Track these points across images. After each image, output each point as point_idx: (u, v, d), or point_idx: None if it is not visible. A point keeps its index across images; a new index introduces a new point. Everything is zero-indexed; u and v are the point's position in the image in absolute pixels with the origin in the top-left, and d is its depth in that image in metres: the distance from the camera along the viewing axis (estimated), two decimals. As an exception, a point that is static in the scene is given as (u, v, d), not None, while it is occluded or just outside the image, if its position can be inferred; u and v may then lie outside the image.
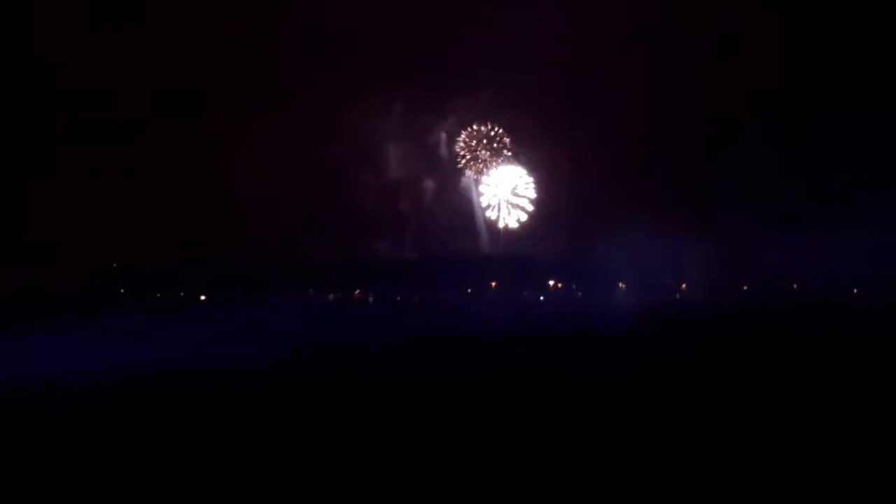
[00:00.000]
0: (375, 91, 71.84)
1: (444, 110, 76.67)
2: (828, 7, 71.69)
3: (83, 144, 72.18)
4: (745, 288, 78.11)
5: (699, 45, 73.10)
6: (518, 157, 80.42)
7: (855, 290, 75.65)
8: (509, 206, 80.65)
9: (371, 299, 77.98)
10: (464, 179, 77.66)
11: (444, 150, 77.92)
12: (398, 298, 76.33)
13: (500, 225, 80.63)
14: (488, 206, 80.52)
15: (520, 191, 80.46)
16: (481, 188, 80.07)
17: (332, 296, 78.32)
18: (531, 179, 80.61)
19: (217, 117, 71.53)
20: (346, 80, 72.61)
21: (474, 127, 79.98)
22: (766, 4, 74.47)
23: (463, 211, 78.42)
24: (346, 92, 72.49)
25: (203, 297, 77.20)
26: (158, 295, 78.11)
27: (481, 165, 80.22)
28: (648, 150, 76.59)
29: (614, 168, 76.01)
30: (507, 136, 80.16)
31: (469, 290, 77.40)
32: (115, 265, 78.77)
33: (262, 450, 21.22)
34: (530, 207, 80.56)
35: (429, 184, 76.84)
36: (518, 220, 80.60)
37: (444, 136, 77.37)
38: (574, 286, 78.28)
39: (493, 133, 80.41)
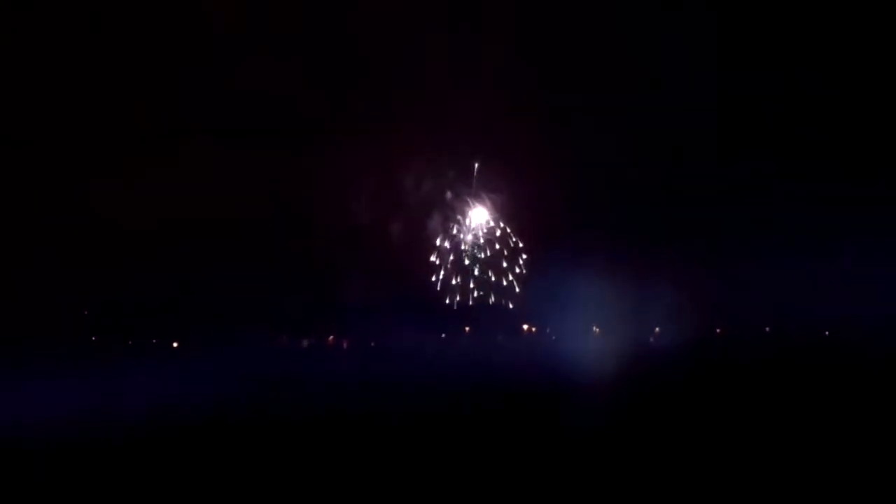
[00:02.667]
0: (344, 132, 71.91)
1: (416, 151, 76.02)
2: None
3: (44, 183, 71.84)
4: (718, 331, 78.53)
5: (666, 93, 74.16)
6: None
7: (826, 332, 76.09)
8: (488, 285, 75.68)
9: (345, 345, 77.54)
10: (430, 224, 76.56)
11: (416, 192, 77.26)
12: (372, 344, 75.96)
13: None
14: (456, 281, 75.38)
15: (503, 264, 74.86)
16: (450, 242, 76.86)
17: (305, 342, 77.83)
18: (520, 244, 75.75)
19: (181, 158, 71.36)
20: (315, 121, 72.75)
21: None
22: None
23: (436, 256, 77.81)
24: (314, 132, 72.63)
25: (175, 344, 76.62)
26: (130, 342, 77.40)
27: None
28: (622, 195, 76.85)
29: (589, 212, 76.09)
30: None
31: (444, 336, 77.11)
32: (85, 312, 78.06)
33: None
34: (517, 289, 76.05)
35: (401, 228, 76.39)
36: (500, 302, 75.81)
37: (415, 177, 76.76)
38: (548, 330, 78.25)
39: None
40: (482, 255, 76.95)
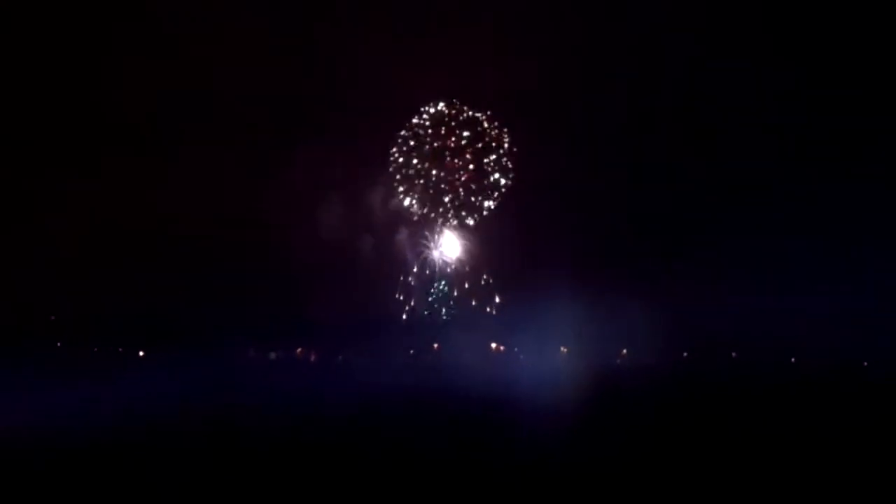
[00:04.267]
0: (315, 147, 72.15)
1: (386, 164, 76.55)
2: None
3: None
4: (685, 355, 78.87)
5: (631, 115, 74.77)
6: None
7: (792, 359, 76.55)
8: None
9: (313, 358, 77.16)
10: (398, 238, 76.58)
11: (385, 207, 77.54)
12: (340, 358, 75.67)
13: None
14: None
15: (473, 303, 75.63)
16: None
17: (273, 354, 77.42)
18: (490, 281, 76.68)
19: (149, 170, 71.25)
20: (284, 136, 73.03)
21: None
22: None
23: (405, 270, 77.92)
24: (283, 148, 72.85)
25: (141, 353, 75.92)
26: (95, 349, 76.64)
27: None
28: (591, 218, 77.36)
29: (558, 235, 76.55)
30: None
31: (412, 352, 76.99)
32: (52, 318, 77.38)
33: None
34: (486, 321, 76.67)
35: (371, 242, 76.52)
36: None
37: (384, 190, 77.20)
38: (516, 349, 78.23)
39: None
40: (450, 292, 77.62)
